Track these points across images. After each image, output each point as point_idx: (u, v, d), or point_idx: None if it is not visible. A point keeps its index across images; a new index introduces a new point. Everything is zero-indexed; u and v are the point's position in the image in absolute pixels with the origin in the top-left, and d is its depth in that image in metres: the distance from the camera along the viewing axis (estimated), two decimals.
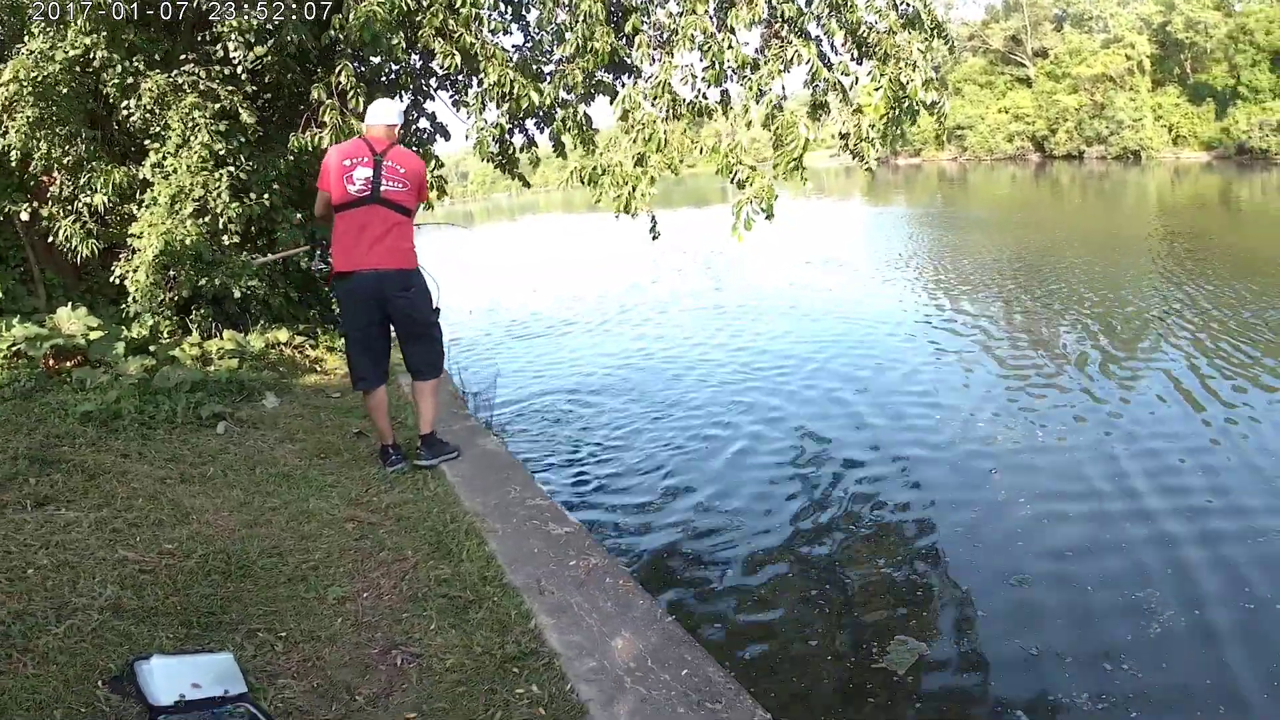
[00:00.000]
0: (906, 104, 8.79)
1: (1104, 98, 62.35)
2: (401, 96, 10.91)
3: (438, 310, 6.33)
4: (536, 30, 10.75)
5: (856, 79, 9.52)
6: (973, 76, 76.24)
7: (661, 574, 5.90)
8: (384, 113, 6.08)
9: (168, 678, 3.36)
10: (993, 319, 12.82)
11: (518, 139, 11.04)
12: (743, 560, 6.02)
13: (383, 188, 5.81)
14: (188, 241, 8.65)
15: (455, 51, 8.82)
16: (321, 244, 9.35)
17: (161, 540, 4.58)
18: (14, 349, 7.21)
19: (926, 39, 9.38)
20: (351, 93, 8.95)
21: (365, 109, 6.49)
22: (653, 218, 9.65)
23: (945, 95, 9.23)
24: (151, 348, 8.08)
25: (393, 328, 6.17)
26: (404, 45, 9.07)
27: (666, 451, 8.19)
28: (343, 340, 7.03)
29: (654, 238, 9.86)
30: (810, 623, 5.13)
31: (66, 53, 8.30)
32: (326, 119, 9.02)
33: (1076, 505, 6.43)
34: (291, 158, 9.45)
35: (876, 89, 8.69)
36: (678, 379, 10.83)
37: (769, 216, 8.49)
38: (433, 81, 11.45)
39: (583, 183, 9.39)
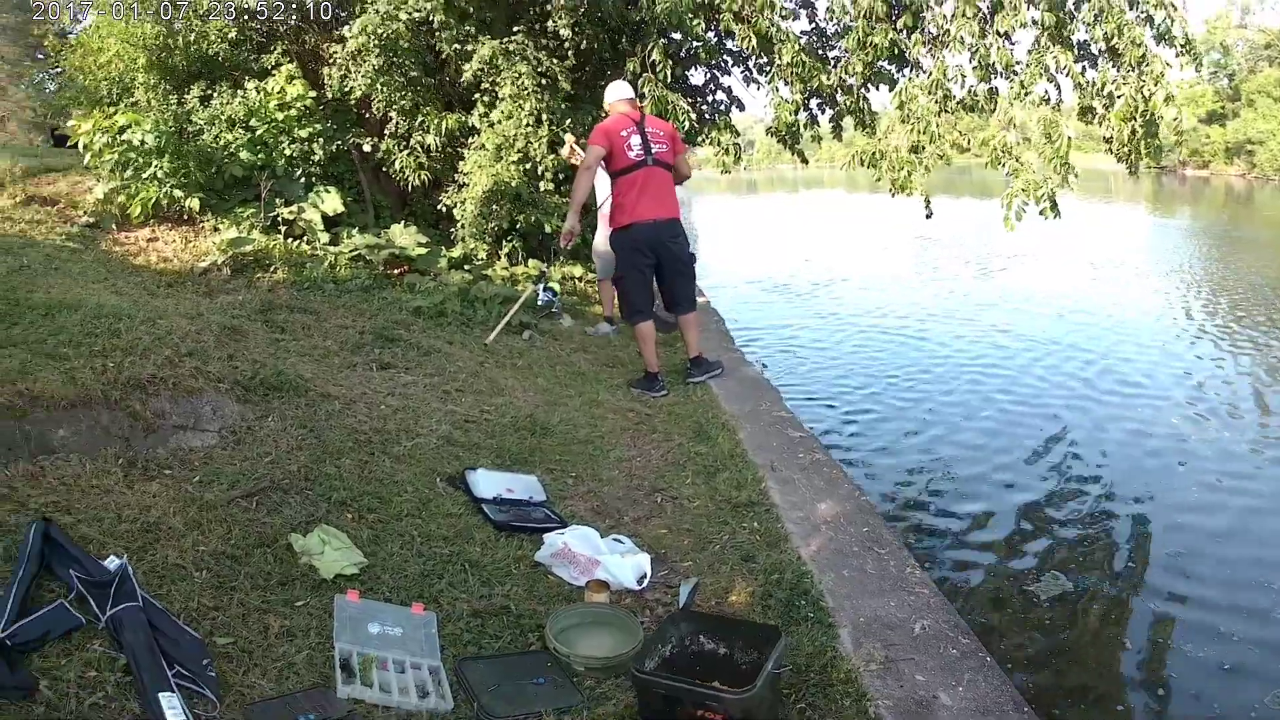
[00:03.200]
0: (1148, 116, 9.63)
1: None
2: (700, 71, 12.68)
3: (693, 255, 7.91)
4: (825, 18, 12.17)
5: (1104, 86, 10.27)
6: (1267, 89, 70.46)
7: (873, 482, 7.19)
8: (624, 90, 7.87)
9: (489, 483, 4.96)
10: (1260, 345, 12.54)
11: (801, 116, 12.25)
12: (945, 486, 7.19)
13: (654, 150, 7.44)
14: (512, 183, 10.49)
15: (752, 34, 10.39)
16: (545, 277, 10.40)
17: (481, 404, 6.28)
18: (355, 253, 9.31)
19: (1179, 55, 10.07)
20: (661, 65, 10.64)
21: (606, 87, 8.18)
22: (927, 199, 11.04)
23: (1182, 111, 9.80)
24: (467, 266, 10.07)
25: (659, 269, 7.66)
26: (703, 25, 10.78)
27: (903, 405, 9.33)
28: (618, 285, 8.15)
29: (927, 216, 11.26)
30: (982, 543, 6.17)
31: (409, 14, 10.22)
32: (645, 90, 10.66)
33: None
34: (604, 114, 11.24)
35: (1119, 97, 9.58)
36: (931, 351, 11.78)
37: (1046, 214, 9.63)
38: (728, 58, 13.04)
39: (862, 164, 10.96)
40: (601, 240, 9.31)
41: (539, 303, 8.87)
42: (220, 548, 3.78)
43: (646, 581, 4.23)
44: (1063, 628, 5.13)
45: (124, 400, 4.66)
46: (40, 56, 38.68)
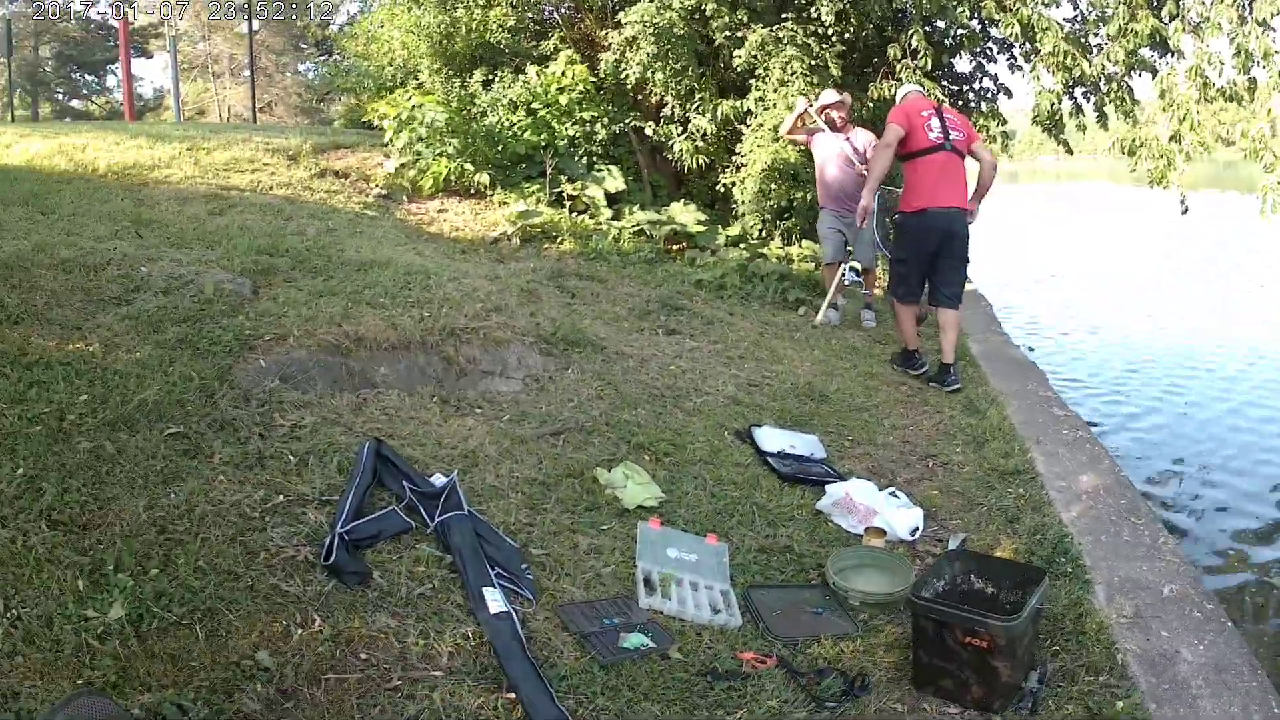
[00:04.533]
0: None
1: None
2: (964, 58, 12.54)
3: None
4: (1088, 6, 11.88)
5: None
6: None
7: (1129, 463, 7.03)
8: (915, 86, 7.86)
9: (773, 439, 5.26)
10: None
11: (1066, 105, 11.94)
12: (1199, 476, 7.07)
13: (952, 136, 7.20)
14: (790, 160, 10.76)
15: (1015, 21, 10.32)
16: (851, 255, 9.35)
17: (762, 370, 6.59)
18: (637, 228, 9.83)
19: None
20: (921, 53, 10.69)
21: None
22: (1183, 195, 10.64)
23: None
24: (742, 244, 10.43)
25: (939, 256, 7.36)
26: (967, 13, 10.76)
27: (1162, 397, 9.20)
28: (894, 263, 7.97)
29: (1184, 212, 10.84)
30: (1234, 532, 6.06)
31: (683, 3, 10.59)
32: (903, 76, 10.69)
33: None
34: (872, 104, 11.35)
35: None
36: (1195, 350, 11.35)
37: None
38: (992, 45, 12.88)
39: (1123, 152, 10.70)
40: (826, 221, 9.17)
41: (847, 282, 8.70)
42: (532, 475, 4.23)
43: (919, 534, 4.49)
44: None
45: (439, 346, 5.21)
46: (303, 47, 41.57)
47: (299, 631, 2.91)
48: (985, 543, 4.39)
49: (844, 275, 8.56)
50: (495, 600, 3.25)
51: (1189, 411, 8.75)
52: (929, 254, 7.18)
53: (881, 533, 4.32)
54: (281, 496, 3.54)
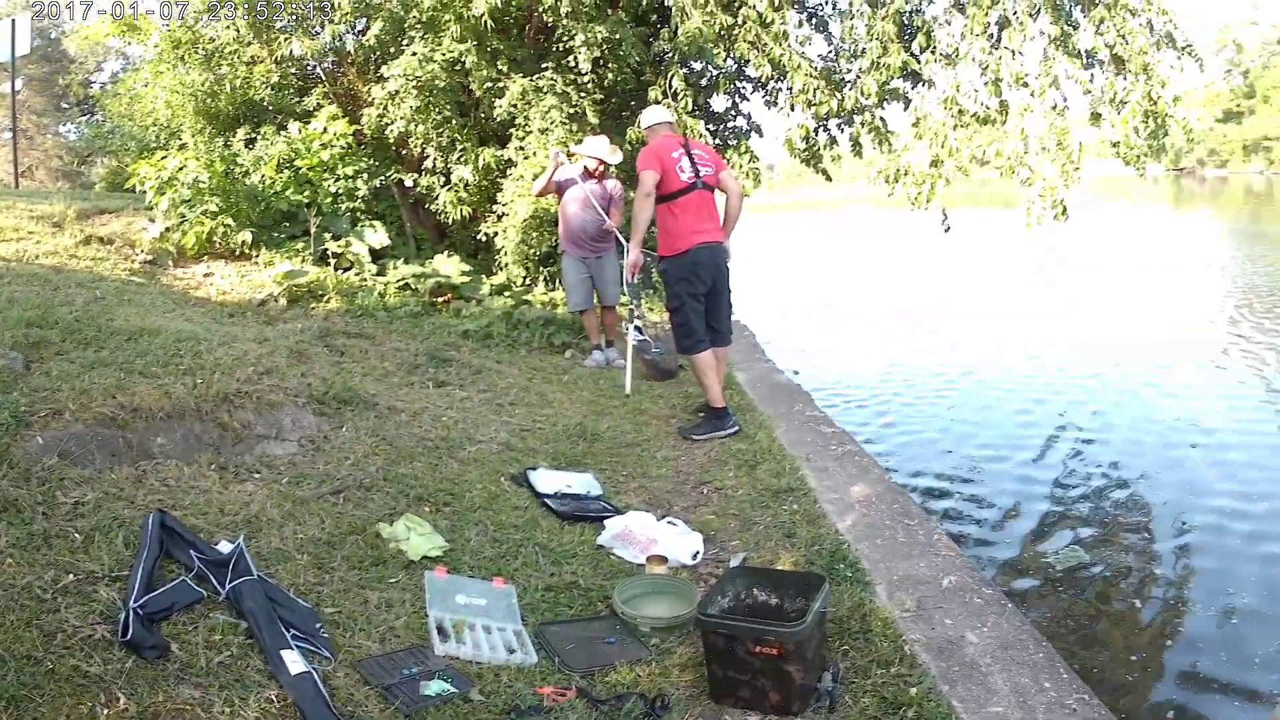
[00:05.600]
0: (1158, 118, 10.15)
1: None
2: (720, 98, 13.01)
3: None
4: (840, 41, 12.60)
5: (1114, 93, 10.68)
6: None
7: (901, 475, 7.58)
8: (664, 114, 7.61)
9: (549, 480, 5.42)
10: None
11: (822, 137, 12.68)
12: (971, 477, 7.66)
13: (703, 173, 7.18)
14: (550, 209, 10.78)
15: (766, 62, 10.89)
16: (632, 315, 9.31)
17: (533, 415, 6.79)
18: (402, 282, 9.91)
19: (1179, 57, 10.51)
20: (682, 94, 11.13)
21: (645, 114, 7.82)
22: (944, 212, 11.50)
23: (1190, 111, 10.31)
24: (508, 292, 10.61)
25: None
26: (723, 55, 11.27)
27: (929, 407, 9.89)
28: (671, 315, 7.53)
29: (946, 230, 11.68)
30: (1006, 526, 6.65)
31: (445, 55, 10.74)
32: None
33: None
34: (628, 146, 11.62)
35: (1124, 103, 10.08)
36: (951, 354, 12.36)
37: (1060, 217, 10.14)
38: (747, 85, 13.46)
39: (886, 181, 11.40)
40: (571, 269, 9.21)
41: (634, 342, 8.45)
42: (316, 535, 4.26)
43: (700, 558, 4.71)
44: (1078, 590, 5.62)
45: (214, 412, 5.13)
46: (66, 106, 39.93)
47: (105, 711, 2.88)
48: (765, 558, 4.63)
49: (631, 338, 8.42)
50: (295, 661, 3.28)
51: (954, 419, 9.41)
52: (703, 294, 7.04)
53: (663, 560, 4.52)
54: (72, 576, 3.48)
